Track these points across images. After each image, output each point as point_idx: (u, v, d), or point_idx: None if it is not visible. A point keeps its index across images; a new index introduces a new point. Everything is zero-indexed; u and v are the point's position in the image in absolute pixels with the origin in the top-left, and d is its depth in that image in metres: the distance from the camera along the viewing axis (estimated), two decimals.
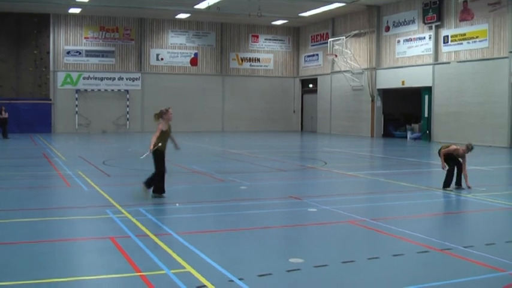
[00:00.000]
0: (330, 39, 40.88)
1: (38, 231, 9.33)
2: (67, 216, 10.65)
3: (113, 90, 42.03)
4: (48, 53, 40.53)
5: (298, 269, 7.07)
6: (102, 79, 41.80)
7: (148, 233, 8.93)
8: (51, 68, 40.66)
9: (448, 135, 31.46)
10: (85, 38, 41.51)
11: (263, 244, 8.68)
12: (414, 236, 8.90)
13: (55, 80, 40.73)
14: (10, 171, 17.61)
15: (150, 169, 18.62)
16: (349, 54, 39.49)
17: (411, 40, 34.66)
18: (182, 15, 41.37)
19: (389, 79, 36.46)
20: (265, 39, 46.29)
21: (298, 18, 41.70)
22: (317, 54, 44.53)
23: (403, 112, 39.00)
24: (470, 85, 30.19)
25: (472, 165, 19.86)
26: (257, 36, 45.99)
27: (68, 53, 41.11)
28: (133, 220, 9.88)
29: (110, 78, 41.98)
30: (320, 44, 43.85)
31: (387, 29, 36.77)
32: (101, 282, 6.74)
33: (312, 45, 45.24)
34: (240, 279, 6.62)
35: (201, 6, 36.45)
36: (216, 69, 44.92)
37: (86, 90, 41.36)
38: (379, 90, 37.52)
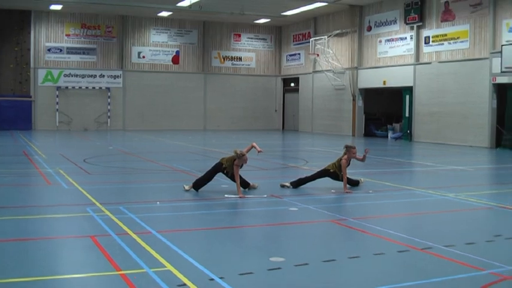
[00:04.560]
0: (311, 39, 40.97)
1: (18, 229, 9.26)
2: (47, 215, 10.58)
3: (94, 87, 41.84)
4: (29, 49, 40.28)
5: (279, 268, 7.07)
6: (83, 76, 41.59)
7: (128, 231, 8.89)
8: (32, 65, 40.40)
9: (429, 135, 31.65)
10: (66, 35, 41.29)
11: (244, 243, 8.68)
12: (395, 235, 8.93)
13: (36, 77, 40.48)
14: None
15: (132, 167, 18.58)
16: (331, 54, 39.58)
17: (393, 40, 34.80)
18: (164, 13, 41.25)
19: (371, 79, 36.59)
20: (247, 38, 46.29)
21: (281, 17, 41.72)
22: (299, 54, 44.60)
23: (385, 112, 39.14)
24: (452, 85, 30.36)
25: (453, 165, 20.02)
26: (239, 35, 45.98)
27: (49, 50, 40.88)
28: (114, 218, 9.84)
29: (91, 76, 41.78)
30: (302, 43, 43.92)
31: (369, 28, 36.89)
32: (81, 281, 6.70)
33: (294, 45, 45.30)
34: (220, 277, 6.61)
35: (184, 4, 36.38)
36: (198, 68, 44.85)
37: (67, 87, 41.14)
38: (360, 89, 37.64)
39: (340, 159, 13.60)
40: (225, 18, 42.49)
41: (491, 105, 28.20)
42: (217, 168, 13.01)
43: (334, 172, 13.62)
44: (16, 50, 39.99)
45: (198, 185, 12.96)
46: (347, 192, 13.21)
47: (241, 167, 12.80)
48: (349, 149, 13.67)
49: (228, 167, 12.82)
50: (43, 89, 40.67)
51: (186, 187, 13.03)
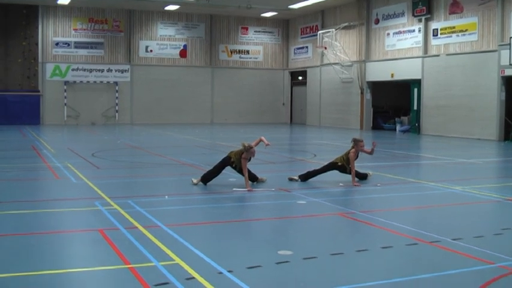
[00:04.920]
0: (319, 32, 40.86)
1: (27, 223, 9.29)
2: (56, 209, 10.61)
3: (101, 82, 41.91)
4: (37, 44, 40.36)
5: (287, 261, 7.07)
6: (91, 71, 41.65)
7: (137, 225, 8.91)
8: (40, 60, 40.49)
9: (437, 128, 31.58)
10: (74, 29, 41.34)
11: (252, 236, 8.69)
12: (403, 229, 8.93)
13: (44, 71, 40.57)
14: None
15: (140, 160, 18.63)
16: (338, 47, 39.49)
17: (401, 33, 34.69)
18: (171, 7, 41.24)
19: (379, 72, 36.51)
20: (254, 31, 46.24)
21: (288, 11, 41.66)
22: (306, 47, 44.52)
23: (392, 105, 39.06)
24: (460, 78, 30.27)
25: (461, 158, 19.98)
26: (246, 28, 45.93)
27: (57, 44, 40.94)
28: (122, 212, 9.86)
29: (99, 70, 41.84)
30: (309, 36, 43.84)
31: (377, 21, 36.79)
32: (89, 275, 6.72)
33: (302, 38, 45.23)
34: (229, 271, 6.62)
35: None
36: (205, 61, 44.84)
37: (74, 82, 41.21)
38: (368, 82, 37.57)
39: (348, 152, 13.59)
40: (232, 11, 42.46)
41: (500, 97, 28.10)
42: (226, 162, 13.02)
43: (342, 165, 13.62)
44: (24, 44, 40.08)
45: (206, 178, 12.97)
46: (355, 185, 13.21)
47: (249, 160, 12.80)
48: (356, 142, 13.66)
49: (236, 161, 12.82)
50: (51, 84, 40.75)
51: (195, 180, 13.04)
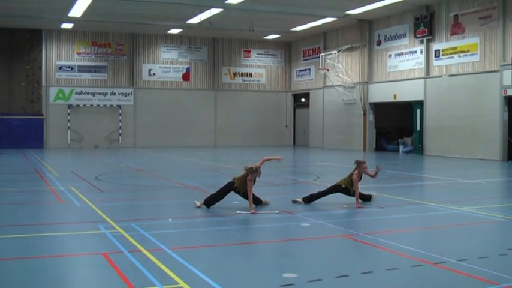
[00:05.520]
0: (321, 54, 41.00)
1: (30, 247, 9.27)
2: (59, 232, 10.60)
3: (105, 105, 42.03)
4: (40, 68, 40.55)
5: (292, 284, 7.04)
6: (94, 94, 41.79)
7: (141, 248, 8.88)
8: (43, 83, 40.66)
9: (440, 149, 31.57)
10: (77, 53, 41.55)
11: (256, 259, 8.65)
12: (408, 250, 8.89)
13: (47, 95, 40.72)
14: (2, 187, 17.52)
15: (144, 183, 18.62)
16: (341, 69, 39.61)
17: (403, 54, 34.81)
18: (174, 31, 41.47)
19: (381, 93, 36.58)
20: (257, 54, 46.42)
21: (290, 33, 41.85)
22: (309, 69, 44.66)
23: (395, 126, 39.10)
24: (462, 98, 30.32)
25: (465, 178, 19.94)
26: (249, 51, 46.12)
27: (60, 68, 41.13)
28: (126, 235, 9.84)
29: (102, 94, 41.99)
30: (312, 58, 44.00)
31: (379, 43, 36.93)
32: None
33: (304, 60, 45.39)
34: None
35: (193, 21, 36.56)
36: (208, 84, 44.98)
37: (78, 105, 41.33)
38: (371, 104, 37.63)
39: (351, 174, 13.58)
40: (235, 34, 42.66)
41: (503, 117, 28.13)
42: (229, 188, 12.99)
43: (346, 187, 13.59)
44: (27, 68, 40.27)
45: (209, 202, 12.95)
46: (359, 207, 13.18)
47: (254, 182, 12.79)
48: (359, 164, 13.65)
49: (239, 186, 12.80)
50: (54, 107, 40.89)
51: (198, 203, 13.02)
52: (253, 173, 12.65)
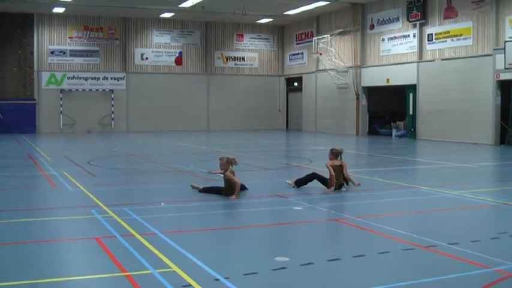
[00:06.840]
0: (314, 38, 40.90)
1: (23, 231, 9.27)
2: (52, 217, 10.60)
3: (97, 90, 41.88)
4: (32, 53, 40.33)
5: (284, 268, 7.07)
6: (86, 79, 41.63)
7: (133, 232, 8.89)
8: (35, 68, 40.45)
9: (433, 133, 31.61)
10: (69, 37, 41.32)
11: (249, 243, 8.67)
12: (399, 234, 8.92)
13: (39, 80, 40.53)
14: None
15: (136, 168, 18.61)
16: (333, 53, 39.55)
17: (395, 38, 34.76)
18: (167, 14, 41.29)
19: (374, 77, 36.56)
20: (250, 38, 46.26)
21: (283, 17, 41.72)
22: (302, 53, 44.58)
23: (388, 110, 39.08)
24: (455, 83, 30.33)
25: (457, 162, 20.00)
26: (242, 35, 45.97)
27: (52, 52, 40.91)
28: (119, 220, 9.85)
29: (95, 78, 41.82)
30: (305, 42, 43.89)
31: (372, 27, 36.86)
32: (86, 283, 6.71)
33: (297, 44, 45.28)
34: (225, 278, 6.61)
35: (186, 5, 36.41)
36: (200, 68, 44.86)
37: (70, 90, 41.17)
38: (364, 88, 37.61)
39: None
40: (228, 18, 42.50)
41: (495, 101, 28.16)
42: (219, 192, 12.78)
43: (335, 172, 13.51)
44: (19, 53, 40.05)
45: (204, 191, 12.82)
46: (329, 191, 13.08)
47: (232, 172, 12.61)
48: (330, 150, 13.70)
49: (225, 189, 12.60)
50: (47, 92, 40.72)
51: (195, 185, 13.08)
52: (225, 164, 12.50)
